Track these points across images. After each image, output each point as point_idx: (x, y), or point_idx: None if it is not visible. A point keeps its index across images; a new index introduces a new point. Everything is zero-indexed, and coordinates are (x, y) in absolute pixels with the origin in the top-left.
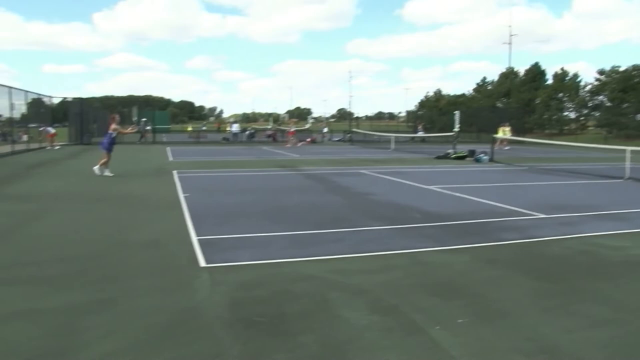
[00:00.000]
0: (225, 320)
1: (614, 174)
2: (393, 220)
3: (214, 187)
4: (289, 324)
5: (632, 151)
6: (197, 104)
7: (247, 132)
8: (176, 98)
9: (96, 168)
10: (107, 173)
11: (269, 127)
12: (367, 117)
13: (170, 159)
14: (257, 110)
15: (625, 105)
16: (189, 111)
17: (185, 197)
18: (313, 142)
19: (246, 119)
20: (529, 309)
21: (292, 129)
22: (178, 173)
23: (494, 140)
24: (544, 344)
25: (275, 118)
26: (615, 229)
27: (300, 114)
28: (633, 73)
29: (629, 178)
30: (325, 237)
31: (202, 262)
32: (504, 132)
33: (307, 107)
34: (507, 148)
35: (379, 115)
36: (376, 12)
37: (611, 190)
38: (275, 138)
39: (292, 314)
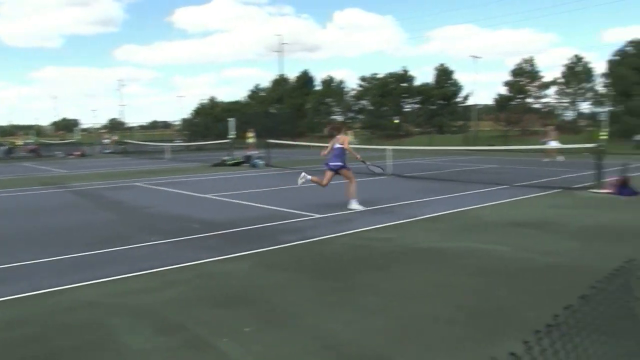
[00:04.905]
0: None
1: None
2: (172, 234)
3: None
4: None
5: (392, 150)
6: None
7: (2, 148)
8: None
9: None
10: None
11: (31, 141)
12: (142, 127)
13: None
14: (14, 122)
15: (384, 108)
16: None
17: None
18: (83, 155)
19: (2, 132)
20: (313, 308)
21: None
22: None
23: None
24: (329, 340)
25: (37, 131)
26: (383, 222)
27: (67, 126)
28: (389, 80)
29: (392, 174)
30: (99, 258)
31: None
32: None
33: (75, 117)
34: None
35: (154, 124)
36: (146, 17)
37: (377, 186)
38: (38, 153)
39: (68, 349)
